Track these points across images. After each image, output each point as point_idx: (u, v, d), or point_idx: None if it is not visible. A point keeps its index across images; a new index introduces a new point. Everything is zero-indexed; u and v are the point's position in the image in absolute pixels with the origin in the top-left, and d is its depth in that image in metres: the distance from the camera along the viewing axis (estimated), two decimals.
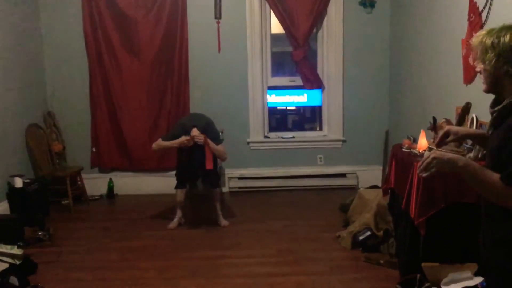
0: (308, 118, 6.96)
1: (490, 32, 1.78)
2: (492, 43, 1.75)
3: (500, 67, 1.75)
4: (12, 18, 5.14)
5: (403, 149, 3.61)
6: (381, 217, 4.03)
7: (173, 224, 4.84)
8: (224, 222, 4.86)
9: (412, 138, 4.80)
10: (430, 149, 3.31)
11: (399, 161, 3.62)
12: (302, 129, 6.75)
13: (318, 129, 6.42)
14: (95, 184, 5.96)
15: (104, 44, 5.78)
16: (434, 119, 3.55)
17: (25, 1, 5.46)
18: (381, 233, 3.97)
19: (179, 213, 4.89)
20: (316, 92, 6.15)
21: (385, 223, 4.01)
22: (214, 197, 4.92)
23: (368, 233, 4.00)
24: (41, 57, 5.80)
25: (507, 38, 1.72)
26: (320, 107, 6.29)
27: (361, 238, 4.01)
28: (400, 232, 3.64)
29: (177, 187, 4.87)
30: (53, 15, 5.80)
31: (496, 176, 1.68)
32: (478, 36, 1.81)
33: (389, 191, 3.90)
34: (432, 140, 3.56)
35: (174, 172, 5.85)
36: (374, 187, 5.18)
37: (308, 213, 5.21)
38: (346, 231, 4.29)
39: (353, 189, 5.93)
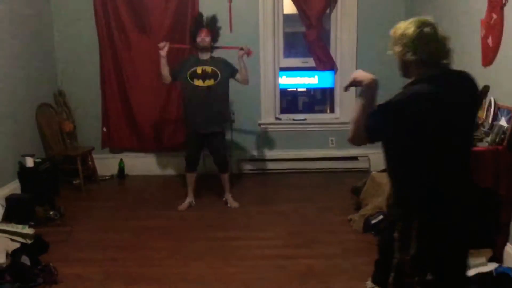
0: (318, 100, 6.90)
1: (401, 25, 2.11)
2: (400, 34, 2.07)
3: (404, 55, 2.07)
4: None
5: None
6: None
7: (184, 205, 4.82)
8: (234, 203, 4.84)
9: None
10: None
11: None
12: (312, 111, 6.68)
13: (328, 111, 6.35)
14: (105, 164, 5.95)
15: (114, 22, 5.72)
16: None
17: None
18: None
19: (190, 196, 4.88)
20: (326, 74, 6.06)
21: None
22: (223, 180, 4.89)
23: (381, 216, 3.95)
24: (50, 36, 5.75)
25: (411, 30, 2.03)
26: (331, 89, 6.21)
27: (373, 221, 3.98)
28: None
29: (187, 170, 4.84)
30: None
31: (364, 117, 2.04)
32: (394, 28, 2.15)
33: None
34: None
35: (183, 153, 5.89)
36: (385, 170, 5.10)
37: (319, 196, 5.18)
38: (358, 214, 4.25)
39: (365, 172, 5.87)
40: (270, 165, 6.03)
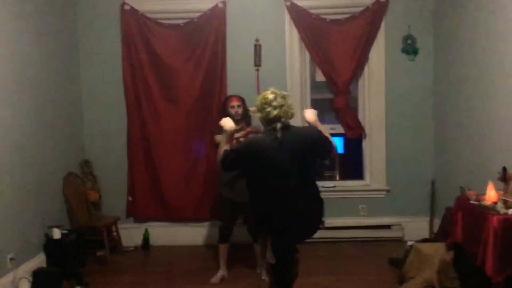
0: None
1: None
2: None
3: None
4: (52, 65, 5.13)
5: (471, 202, 3.39)
6: (445, 274, 3.75)
7: (216, 278, 4.61)
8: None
9: (466, 188, 4.60)
10: (504, 201, 3.11)
11: (467, 214, 3.40)
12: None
13: (338, 177, 6.25)
14: (129, 234, 5.78)
15: (142, 91, 5.73)
16: (505, 169, 3.34)
17: (65, 50, 5.47)
18: None
19: (222, 268, 4.67)
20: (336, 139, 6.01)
21: (450, 281, 3.73)
22: (257, 250, 4.69)
23: None
24: (78, 105, 5.76)
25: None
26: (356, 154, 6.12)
27: None
28: None
29: (220, 241, 4.67)
30: (92, 62, 5.81)
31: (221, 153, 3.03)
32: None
33: (454, 246, 3.65)
34: (502, 192, 3.35)
35: (211, 223, 5.73)
36: (426, 240, 4.91)
37: (355, 268, 4.93)
38: None
39: (398, 241, 5.67)
40: None
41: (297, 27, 5.68)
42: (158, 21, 5.71)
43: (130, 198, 5.83)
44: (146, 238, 5.80)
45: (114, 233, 5.58)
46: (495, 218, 2.97)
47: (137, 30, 5.69)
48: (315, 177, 3.08)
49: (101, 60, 5.81)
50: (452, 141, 5.31)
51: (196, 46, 5.69)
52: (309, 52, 5.72)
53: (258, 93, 5.67)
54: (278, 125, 2.91)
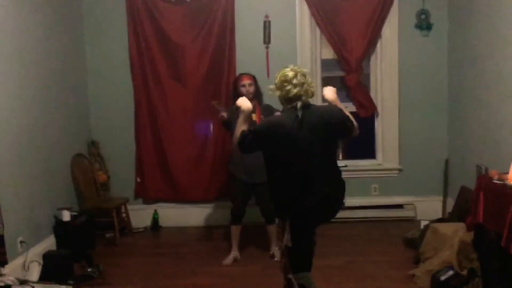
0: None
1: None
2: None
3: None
4: (57, 45, 4.98)
5: (495, 181, 3.29)
6: (464, 254, 3.67)
7: (229, 260, 4.54)
8: None
9: (483, 167, 4.50)
10: None
11: (490, 194, 3.30)
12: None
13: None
14: (138, 215, 5.71)
15: (149, 70, 5.60)
16: None
17: (70, 28, 5.33)
18: (465, 272, 3.61)
19: (234, 249, 4.60)
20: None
21: (469, 262, 3.65)
22: (270, 232, 4.62)
23: (451, 272, 3.64)
24: (84, 85, 5.63)
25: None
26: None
27: (443, 278, 3.65)
28: (492, 272, 3.30)
29: (232, 223, 4.59)
30: (98, 41, 5.67)
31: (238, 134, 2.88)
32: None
33: (474, 226, 3.56)
34: None
35: (220, 203, 5.65)
36: (441, 220, 4.83)
37: (369, 248, 4.87)
38: (422, 270, 3.94)
39: (411, 221, 5.60)
40: None
41: (308, 2, 5.52)
42: None
43: (138, 179, 5.75)
44: (155, 219, 5.73)
45: (124, 215, 5.52)
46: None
47: (143, 6, 5.52)
48: (336, 157, 2.97)
49: (107, 39, 5.67)
50: (466, 119, 5.19)
51: (204, 23, 5.54)
52: (320, 29, 5.57)
53: (268, 71, 5.56)
54: (299, 103, 2.79)
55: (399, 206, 5.72)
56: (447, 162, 5.64)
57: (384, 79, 5.68)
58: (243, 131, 2.86)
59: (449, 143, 5.65)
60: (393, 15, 5.55)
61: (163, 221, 5.77)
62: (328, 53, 5.74)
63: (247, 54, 5.59)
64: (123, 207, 5.50)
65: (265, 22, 5.59)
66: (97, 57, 5.68)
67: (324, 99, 3.12)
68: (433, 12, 5.53)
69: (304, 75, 2.86)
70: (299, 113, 2.77)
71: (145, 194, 5.78)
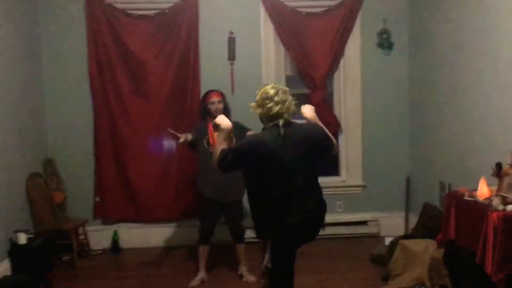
0: None
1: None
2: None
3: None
4: (11, 61, 4.73)
5: (466, 198, 3.34)
6: (435, 271, 3.71)
7: (196, 282, 4.40)
8: (251, 278, 4.44)
9: (447, 184, 4.60)
10: (503, 197, 3.07)
11: (461, 210, 3.34)
12: None
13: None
14: (96, 237, 5.47)
15: (110, 86, 5.42)
16: (499, 164, 3.30)
17: (26, 43, 5.09)
18: None
19: (202, 270, 4.46)
20: None
21: (440, 278, 3.69)
22: (238, 251, 4.52)
23: None
24: (40, 100, 5.37)
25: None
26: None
27: None
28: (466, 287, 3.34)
29: (200, 243, 4.45)
30: (55, 55, 5.44)
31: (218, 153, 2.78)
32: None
33: (445, 243, 3.60)
34: (496, 188, 3.32)
35: (183, 223, 5.51)
36: (407, 236, 4.86)
37: (338, 266, 4.84)
38: (392, 287, 3.94)
39: (375, 237, 5.64)
40: None
41: (272, 19, 5.53)
42: (127, 11, 5.41)
43: (97, 199, 5.52)
44: (115, 241, 5.50)
45: (82, 236, 5.26)
46: (495, 214, 2.92)
47: (104, 21, 5.37)
48: (317, 176, 2.93)
49: (65, 54, 5.46)
50: (428, 136, 5.31)
51: (168, 39, 5.44)
52: (284, 46, 5.58)
53: (233, 87, 5.51)
54: (281, 121, 2.74)
55: (363, 223, 5.76)
56: (408, 179, 5.73)
57: (347, 97, 5.75)
58: (223, 150, 2.78)
59: (411, 160, 5.76)
60: (356, 34, 5.65)
61: (124, 242, 5.55)
62: (293, 70, 5.76)
63: (212, 70, 5.52)
64: (81, 228, 5.24)
65: (229, 39, 5.55)
66: (54, 72, 5.45)
67: (302, 117, 3.08)
68: (394, 31, 5.66)
69: (285, 92, 2.82)
70: (281, 131, 2.72)
71: (105, 214, 5.55)
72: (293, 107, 2.82)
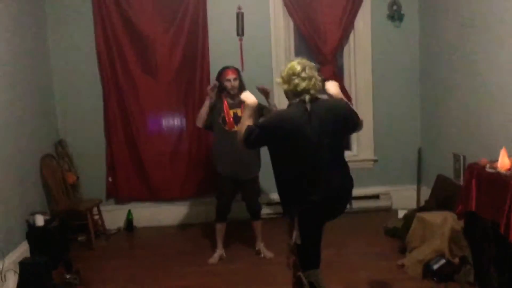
0: None
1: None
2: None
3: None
4: (19, 41, 4.63)
5: (488, 170, 3.33)
6: (455, 243, 3.73)
7: (214, 259, 4.43)
8: (269, 254, 4.47)
9: (461, 156, 4.60)
10: None
11: (484, 182, 3.34)
12: None
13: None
14: (111, 216, 5.47)
15: (119, 65, 5.36)
16: None
17: (32, 23, 5.00)
18: (456, 260, 3.66)
19: (220, 247, 4.49)
20: None
21: (460, 250, 3.71)
22: (255, 228, 4.54)
23: (443, 260, 3.69)
24: (48, 81, 5.31)
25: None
26: None
27: (435, 266, 3.70)
28: (488, 259, 3.36)
29: (217, 220, 4.46)
30: (62, 34, 5.36)
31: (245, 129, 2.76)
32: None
33: (465, 214, 3.61)
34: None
35: (196, 200, 5.52)
36: (421, 209, 4.89)
37: (352, 239, 4.88)
38: (411, 259, 3.97)
39: (387, 210, 5.67)
40: None
41: None
42: None
43: (110, 179, 5.51)
44: (129, 220, 5.52)
45: (97, 216, 5.27)
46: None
47: None
48: (344, 151, 2.91)
49: (71, 31, 5.38)
50: (439, 108, 5.28)
51: (175, 14, 5.35)
52: (294, 20, 5.50)
53: (242, 63, 5.44)
54: (307, 97, 2.71)
55: (376, 197, 5.77)
56: (420, 151, 5.73)
57: (358, 70, 5.69)
58: (249, 126, 2.76)
59: (422, 133, 5.74)
60: (366, 7, 5.56)
61: (138, 221, 5.56)
62: (303, 45, 5.69)
63: (221, 46, 5.46)
64: (95, 208, 5.25)
65: (238, 14, 5.46)
66: (61, 52, 5.38)
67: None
68: (404, 3, 5.58)
69: (312, 68, 2.78)
70: (308, 107, 2.69)
71: (117, 194, 5.55)
72: (319, 83, 2.79)
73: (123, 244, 5.16)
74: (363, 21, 5.59)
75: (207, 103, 4.31)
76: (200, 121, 4.34)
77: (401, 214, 5.15)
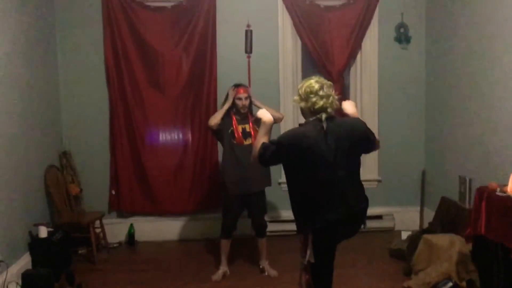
0: None
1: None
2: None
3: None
4: (28, 53, 4.65)
5: (498, 193, 3.34)
6: (463, 266, 3.72)
7: (218, 275, 4.39)
8: (273, 272, 4.45)
9: (467, 179, 4.60)
10: None
11: (494, 206, 3.34)
12: None
13: None
14: (112, 230, 5.43)
15: (127, 78, 5.37)
16: None
17: (42, 36, 5.01)
18: (464, 284, 3.65)
19: (223, 264, 4.45)
20: None
21: (467, 273, 3.70)
22: (260, 245, 4.51)
23: (450, 284, 3.68)
24: (56, 92, 5.32)
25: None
26: None
27: None
28: (497, 283, 3.34)
29: (222, 236, 4.43)
30: (71, 47, 5.39)
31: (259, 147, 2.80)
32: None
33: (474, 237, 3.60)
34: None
35: (199, 216, 5.50)
36: (425, 231, 4.87)
37: (356, 260, 4.84)
38: (418, 282, 3.94)
39: (390, 231, 5.65)
40: (288, 227, 5.65)
41: (290, 12, 5.49)
42: (144, 3, 5.35)
43: (113, 192, 5.48)
44: (131, 234, 5.48)
45: (99, 229, 5.23)
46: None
47: (120, 13, 5.31)
48: (359, 171, 2.91)
49: (81, 45, 5.41)
50: (444, 130, 5.31)
51: (184, 31, 5.39)
52: (302, 39, 5.55)
53: (249, 81, 5.46)
54: (323, 115, 2.72)
55: (379, 217, 5.75)
56: (424, 172, 5.74)
57: (364, 90, 5.73)
58: (264, 143, 2.77)
59: (427, 154, 5.76)
60: (373, 28, 5.63)
61: (139, 236, 5.52)
62: (310, 64, 5.73)
63: (228, 63, 5.49)
64: (98, 221, 5.21)
65: (246, 31, 5.49)
66: (70, 65, 5.41)
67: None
68: (412, 26, 5.65)
69: (329, 87, 2.80)
70: (324, 125, 2.70)
71: (120, 207, 5.52)
72: (336, 102, 2.80)
73: (125, 259, 5.10)
74: (371, 43, 5.65)
75: (226, 107, 4.33)
76: (213, 121, 4.32)
77: (404, 235, 5.13)
